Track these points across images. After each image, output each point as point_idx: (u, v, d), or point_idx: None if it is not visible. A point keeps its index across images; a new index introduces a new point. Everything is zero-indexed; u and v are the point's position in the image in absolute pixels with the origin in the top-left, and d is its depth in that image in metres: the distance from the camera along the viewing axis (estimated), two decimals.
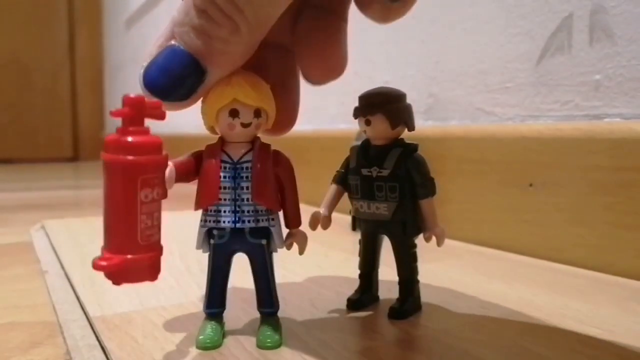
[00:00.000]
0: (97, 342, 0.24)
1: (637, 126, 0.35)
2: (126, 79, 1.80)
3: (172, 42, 0.19)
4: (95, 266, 0.18)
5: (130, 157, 0.18)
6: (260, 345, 0.23)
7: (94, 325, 0.26)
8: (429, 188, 0.26)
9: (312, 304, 0.28)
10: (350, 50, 0.25)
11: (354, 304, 0.28)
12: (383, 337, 0.24)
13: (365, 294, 0.28)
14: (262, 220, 0.23)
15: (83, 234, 0.50)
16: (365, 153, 0.26)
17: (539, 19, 0.43)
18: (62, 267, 0.37)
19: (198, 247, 0.23)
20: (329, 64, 0.24)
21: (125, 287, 0.31)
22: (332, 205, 0.27)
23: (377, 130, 0.26)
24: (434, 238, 0.26)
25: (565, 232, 0.39)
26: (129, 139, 0.18)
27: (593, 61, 0.39)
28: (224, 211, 0.22)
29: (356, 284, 0.28)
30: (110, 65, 2.09)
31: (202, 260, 0.38)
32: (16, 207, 0.77)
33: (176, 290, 0.31)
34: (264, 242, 0.23)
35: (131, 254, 0.18)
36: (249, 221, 0.22)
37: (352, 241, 0.29)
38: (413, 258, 0.27)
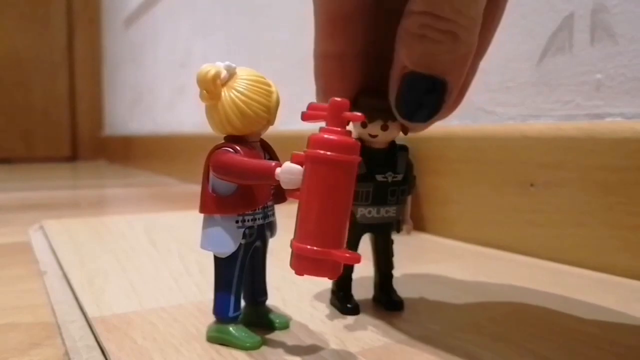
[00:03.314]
0: (96, 343, 0.24)
1: (638, 126, 0.35)
2: (125, 79, 1.80)
3: (406, 72, 0.21)
4: (303, 251, 0.19)
5: (356, 157, 0.20)
6: (275, 327, 0.24)
7: (93, 326, 0.25)
8: (415, 186, 0.27)
9: (312, 304, 0.28)
10: None
11: (355, 310, 0.27)
12: (383, 338, 0.24)
13: (349, 295, 0.28)
14: (272, 214, 0.24)
15: (82, 234, 0.49)
16: (372, 158, 0.25)
17: (540, 18, 0.43)
18: (61, 268, 0.37)
19: (231, 250, 0.22)
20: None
21: (130, 288, 0.32)
22: None
23: (391, 135, 0.25)
24: (404, 232, 0.28)
25: (566, 232, 0.39)
26: (353, 140, 0.20)
27: (594, 60, 0.39)
28: (259, 208, 0.23)
29: (355, 284, 0.28)
30: (109, 65, 2.09)
31: (201, 261, 0.38)
32: (14, 207, 0.77)
33: (175, 291, 0.31)
34: (269, 233, 0.24)
35: (337, 250, 0.19)
36: (272, 215, 0.24)
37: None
38: (393, 253, 0.28)
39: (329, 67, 0.24)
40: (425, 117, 0.22)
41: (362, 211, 0.26)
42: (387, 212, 0.26)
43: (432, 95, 0.21)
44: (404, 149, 0.26)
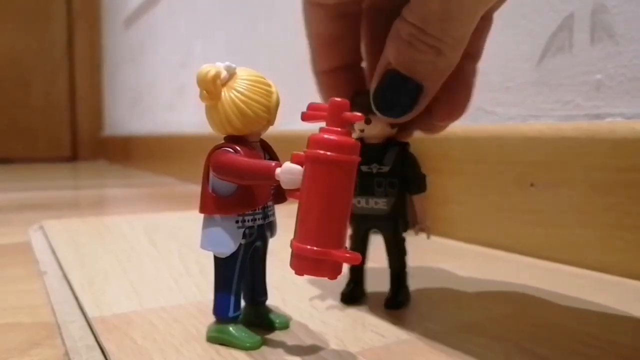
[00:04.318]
0: (95, 343, 0.24)
1: (638, 126, 0.35)
2: (125, 79, 1.80)
3: (390, 68, 0.23)
4: (303, 251, 0.19)
5: (356, 157, 0.20)
6: (275, 327, 0.24)
7: (93, 326, 0.25)
8: (424, 184, 0.27)
9: (311, 304, 0.28)
10: None
11: (348, 298, 0.28)
12: (383, 338, 0.24)
13: (357, 286, 0.29)
14: (272, 214, 0.24)
15: (82, 234, 0.49)
16: (362, 151, 0.26)
17: (540, 18, 0.43)
18: (61, 268, 0.37)
19: (231, 250, 0.22)
20: (454, 109, 0.26)
21: (130, 288, 0.32)
22: None
23: (376, 129, 0.26)
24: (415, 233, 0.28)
25: (566, 232, 0.39)
26: (353, 140, 0.20)
27: (594, 61, 0.39)
28: (259, 208, 0.23)
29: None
30: (109, 65, 2.09)
31: (201, 261, 0.38)
32: (15, 207, 0.77)
33: (175, 291, 0.31)
34: (269, 233, 0.24)
35: (337, 250, 0.19)
36: (272, 215, 0.24)
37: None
38: (404, 251, 0.28)
39: (328, 81, 0.27)
40: (398, 113, 0.24)
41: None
42: (377, 203, 0.27)
43: (407, 96, 0.23)
44: (398, 144, 0.27)
